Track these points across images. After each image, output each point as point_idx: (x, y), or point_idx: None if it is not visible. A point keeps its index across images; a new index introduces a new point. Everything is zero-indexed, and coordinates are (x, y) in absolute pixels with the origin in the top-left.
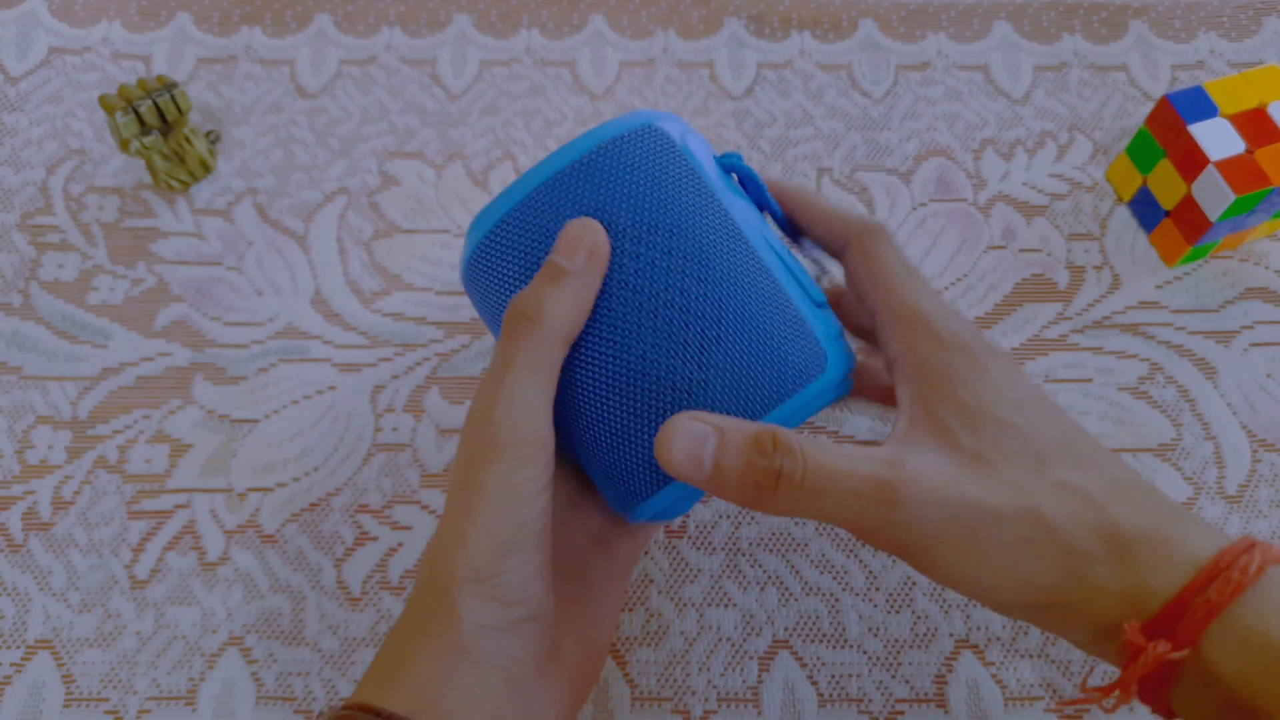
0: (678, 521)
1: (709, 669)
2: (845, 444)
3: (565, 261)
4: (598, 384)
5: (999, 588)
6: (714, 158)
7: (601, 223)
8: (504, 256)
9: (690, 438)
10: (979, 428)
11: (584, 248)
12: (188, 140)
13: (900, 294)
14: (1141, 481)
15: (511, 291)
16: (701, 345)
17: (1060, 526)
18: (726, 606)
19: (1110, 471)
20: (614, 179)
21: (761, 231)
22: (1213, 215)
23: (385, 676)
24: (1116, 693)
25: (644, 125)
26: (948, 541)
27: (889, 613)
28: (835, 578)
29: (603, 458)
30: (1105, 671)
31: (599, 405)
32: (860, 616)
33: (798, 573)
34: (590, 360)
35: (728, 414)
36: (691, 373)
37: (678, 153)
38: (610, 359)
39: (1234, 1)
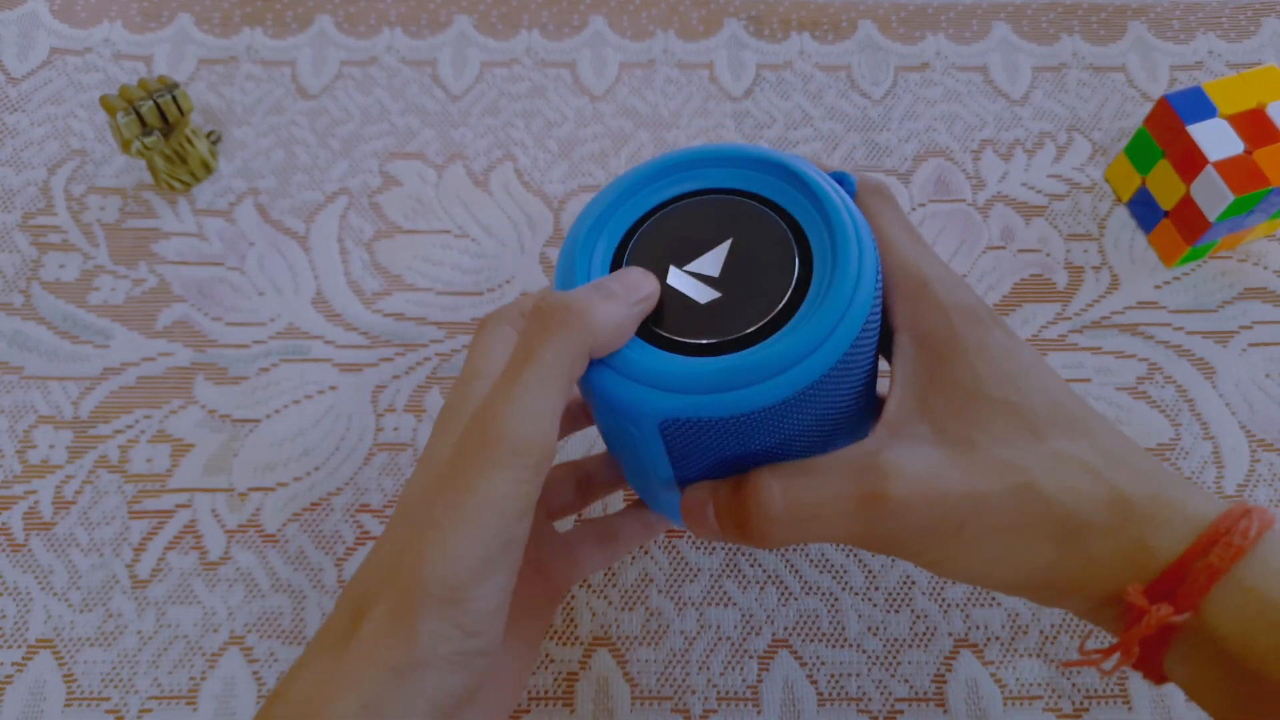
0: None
1: (709, 668)
2: (826, 456)
3: (621, 292)
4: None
5: (996, 571)
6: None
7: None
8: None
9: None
10: (968, 411)
11: (643, 294)
12: (189, 141)
13: (904, 256)
14: (1138, 449)
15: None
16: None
17: (1055, 497)
18: (726, 605)
19: (1107, 439)
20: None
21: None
22: (1211, 215)
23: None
24: (1116, 655)
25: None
26: (938, 536)
27: (888, 612)
28: (834, 577)
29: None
30: (1102, 637)
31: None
32: (859, 616)
33: (797, 572)
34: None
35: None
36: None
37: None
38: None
39: (1233, 2)
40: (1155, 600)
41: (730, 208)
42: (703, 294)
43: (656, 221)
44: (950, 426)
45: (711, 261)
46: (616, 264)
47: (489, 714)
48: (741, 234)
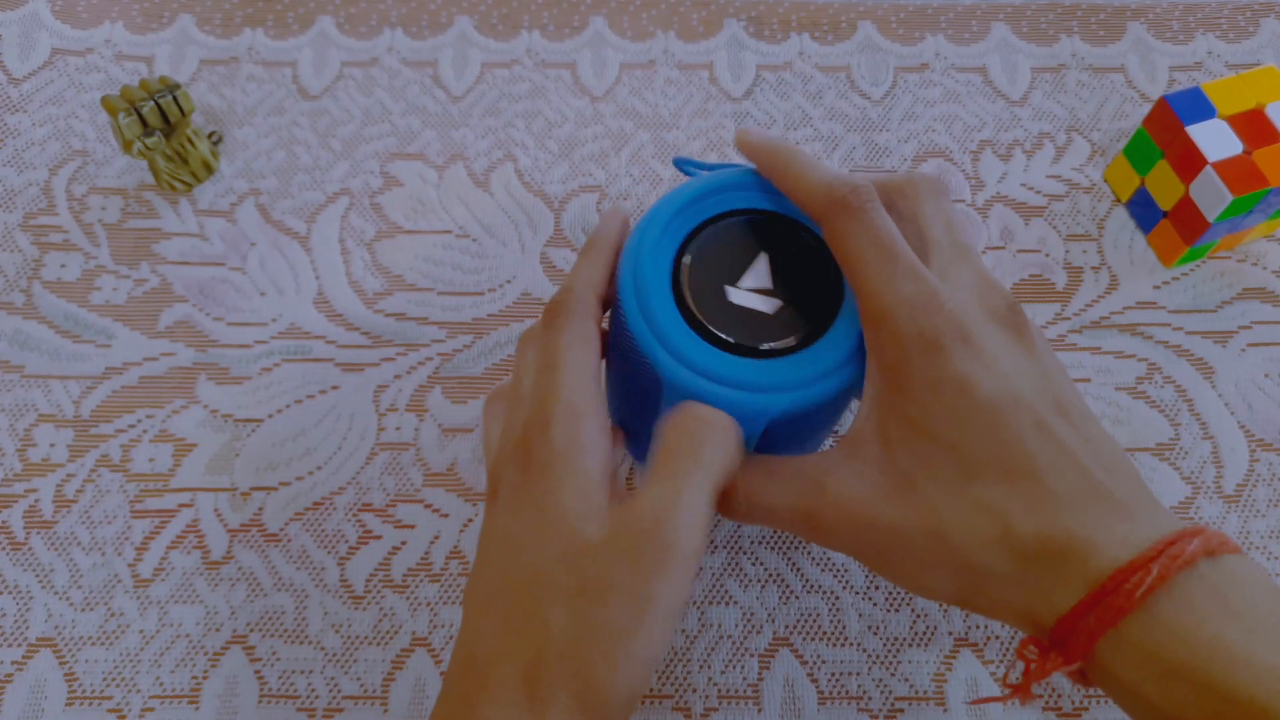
0: None
1: (710, 666)
2: (792, 462)
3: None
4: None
5: (922, 588)
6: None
7: None
8: None
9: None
10: (915, 445)
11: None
12: (190, 141)
13: (868, 286)
14: (1084, 485)
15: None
16: None
17: (961, 546)
18: (727, 604)
19: (1047, 479)
20: None
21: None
22: (1210, 216)
23: None
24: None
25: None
26: (863, 552)
27: (889, 611)
28: (836, 576)
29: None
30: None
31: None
32: (860, 615)
33: (798, 570)
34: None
35: None
36: None
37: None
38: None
39: (1232, 3)
40: (1051, 648)
41: (765, 226)
42: (767, 305)
43: (703, 240)
44: (899, 458)
45: (762, 276)
46: (674, 279)
47: None
48: (779, 249)
